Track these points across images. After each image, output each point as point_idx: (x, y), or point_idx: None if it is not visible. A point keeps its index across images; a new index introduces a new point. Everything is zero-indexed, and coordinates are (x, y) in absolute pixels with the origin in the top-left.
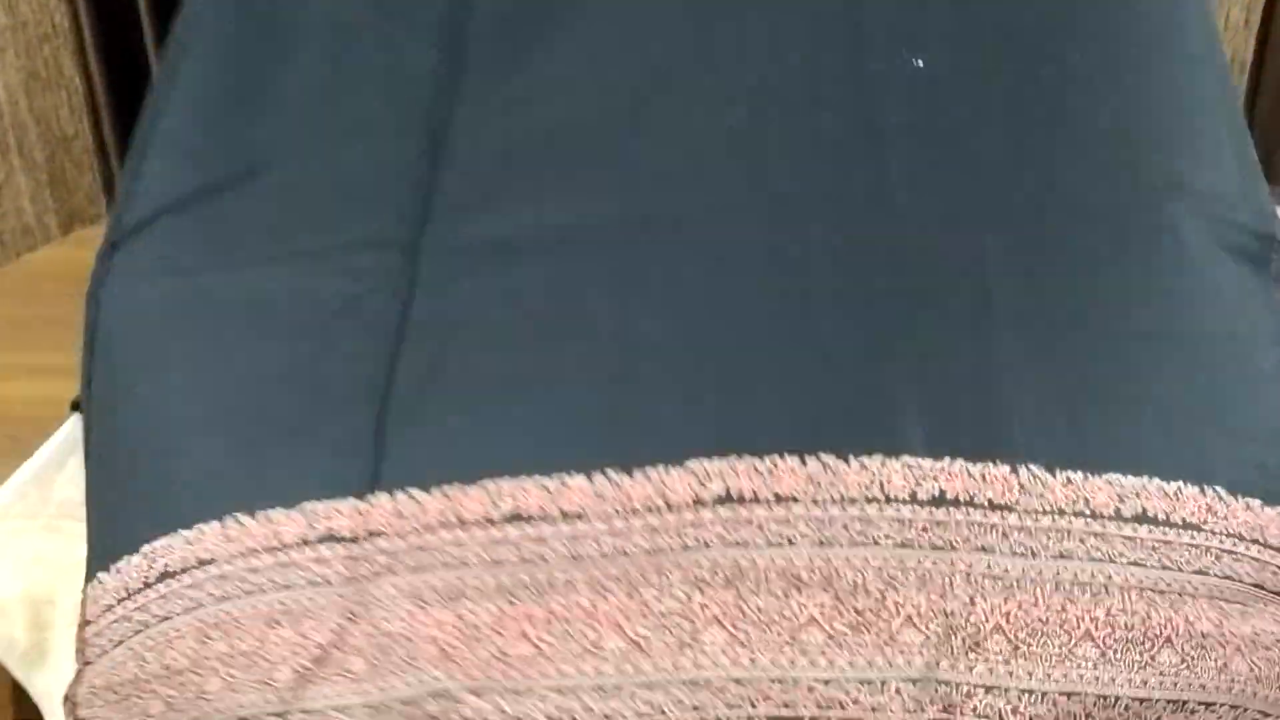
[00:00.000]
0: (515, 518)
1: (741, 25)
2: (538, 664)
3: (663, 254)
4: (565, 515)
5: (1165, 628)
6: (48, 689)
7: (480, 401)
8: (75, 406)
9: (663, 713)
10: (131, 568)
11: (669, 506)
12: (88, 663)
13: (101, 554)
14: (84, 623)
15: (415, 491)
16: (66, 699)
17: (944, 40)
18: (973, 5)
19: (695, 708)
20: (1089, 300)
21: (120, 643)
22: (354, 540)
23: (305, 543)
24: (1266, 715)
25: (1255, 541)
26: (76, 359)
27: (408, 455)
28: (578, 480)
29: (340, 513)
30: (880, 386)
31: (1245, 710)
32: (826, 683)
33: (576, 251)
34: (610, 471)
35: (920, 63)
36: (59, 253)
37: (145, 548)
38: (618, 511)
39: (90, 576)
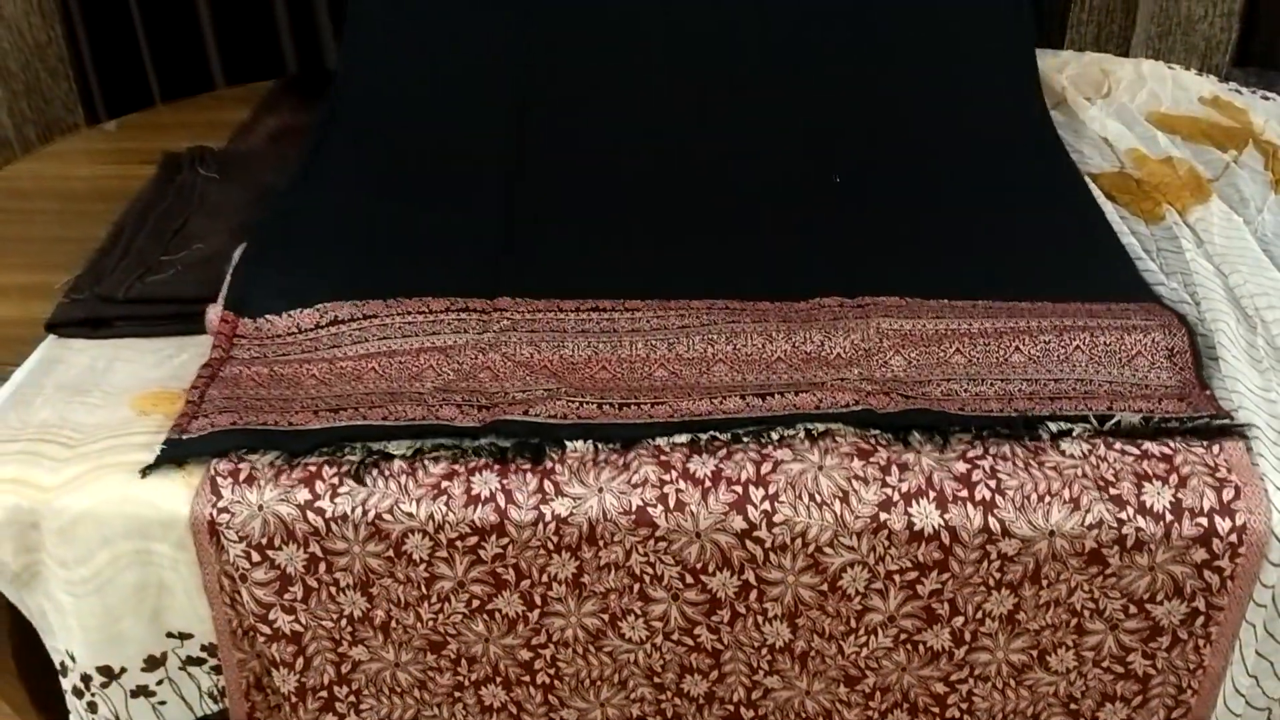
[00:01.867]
0: (595, 309)
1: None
2: (613, 383)
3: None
4: (627, 307)
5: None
6: (40, 607)
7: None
8: (50, 327)
9: (683, 419)
10: (303, 315)
11: (691, 308)
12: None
13: (266, 300)
14: (238, 338)
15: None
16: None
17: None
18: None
19: (708, 412)
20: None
21: (288, 357)
22: (484, 312)
23: (448, 310)
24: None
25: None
26: (53, 279)
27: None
28: (635, 297)
29: (474, 299)
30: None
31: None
32: (785, 389)
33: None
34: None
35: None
36: (37, 167)
37: (320, 304)
38: (658, 308)
39: (246, 314)
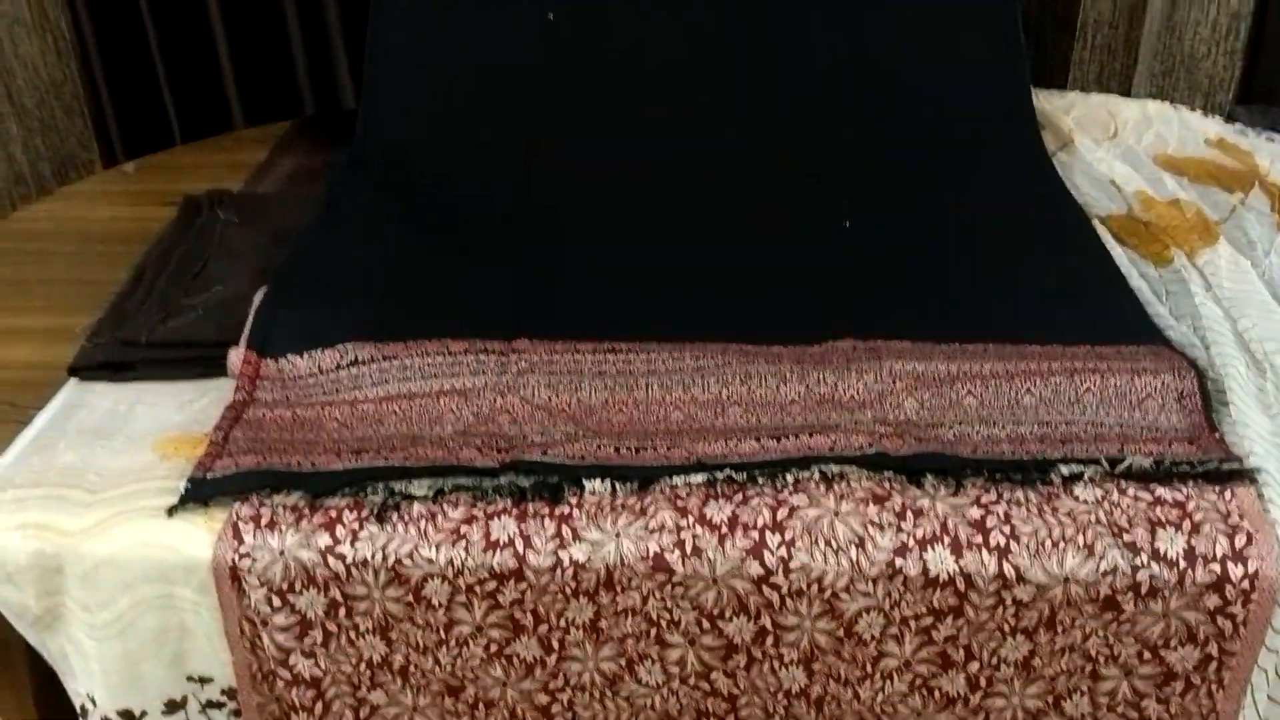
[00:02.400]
0: (612, 350)
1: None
2: (629, 426)
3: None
4: (642, 348)
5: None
6: (61, 650)
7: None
8: (73, 371)
9: (699, 460)
10: (324, 355)
11: (705, 350)
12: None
13: (287, 341)
14: (258, 378)
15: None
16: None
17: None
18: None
19: (723, 454)
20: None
21: (311, 399)
22: (502, 353)
23: (467, 351)
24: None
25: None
26: (73, 321)
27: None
28: (651, 340)
29: (492, 340)
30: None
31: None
32: (799, 431)
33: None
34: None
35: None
36: (55, 208)
37: (341, 345)
38: (673, 350)
39: (269, 355)
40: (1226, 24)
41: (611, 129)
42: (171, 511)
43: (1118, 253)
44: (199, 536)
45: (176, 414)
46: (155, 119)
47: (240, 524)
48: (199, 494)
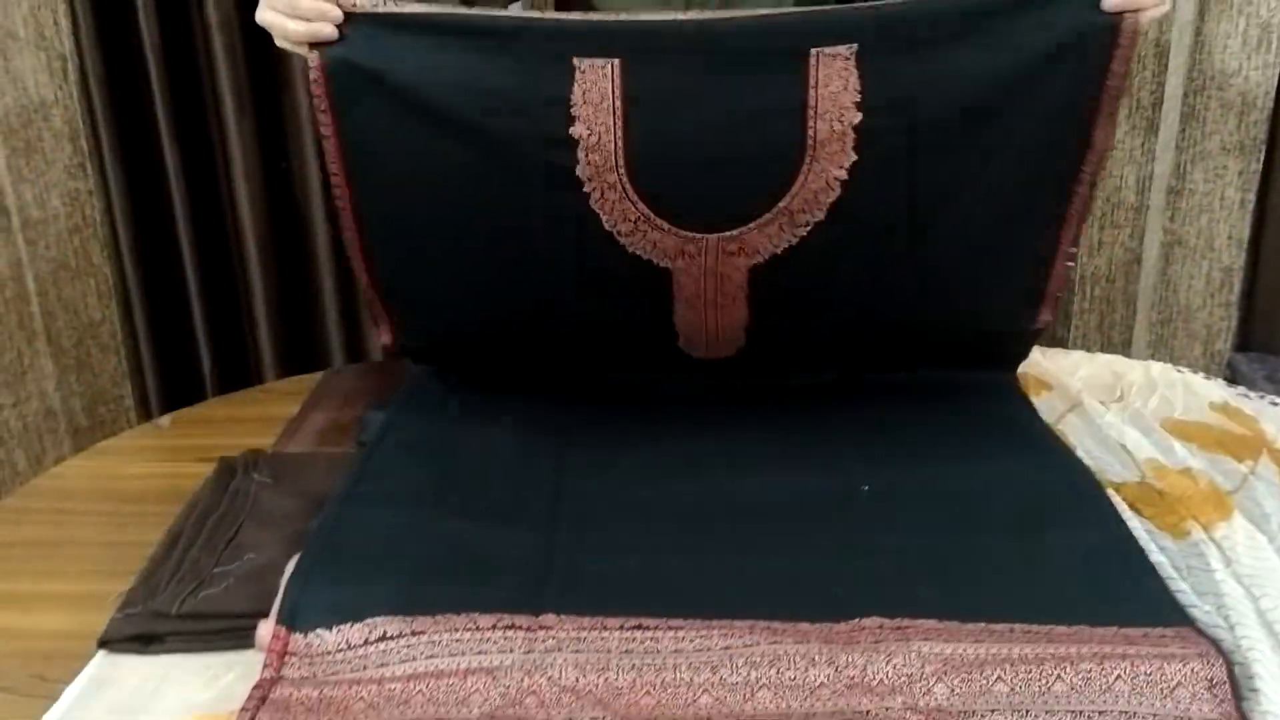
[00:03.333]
0: (639, 627)
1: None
2: (657, 710)
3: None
4: (670, 626)
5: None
6: None
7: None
8: (103, 644)
9: None
10: (353, 630)
11: (733, 628)
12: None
13: (316, 615)
14: (287, 654)
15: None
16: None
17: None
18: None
19: None
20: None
21: (338, 677)
22: (529, 629)
23: (495, 627)
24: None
25: None
26: (105, 588)
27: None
28: (678, 616)
29: (520, 614)
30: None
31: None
32: (829, 718)
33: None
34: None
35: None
36: (89, 465)
37: (369, 619)
38: (701, 628)
39: (299, 629)
40: (1220, 278)
41: (634, 420)
42: None
43: (1135, 524)
44: None
45: (202, 692)
46: (188, 360)
47: None
48: None
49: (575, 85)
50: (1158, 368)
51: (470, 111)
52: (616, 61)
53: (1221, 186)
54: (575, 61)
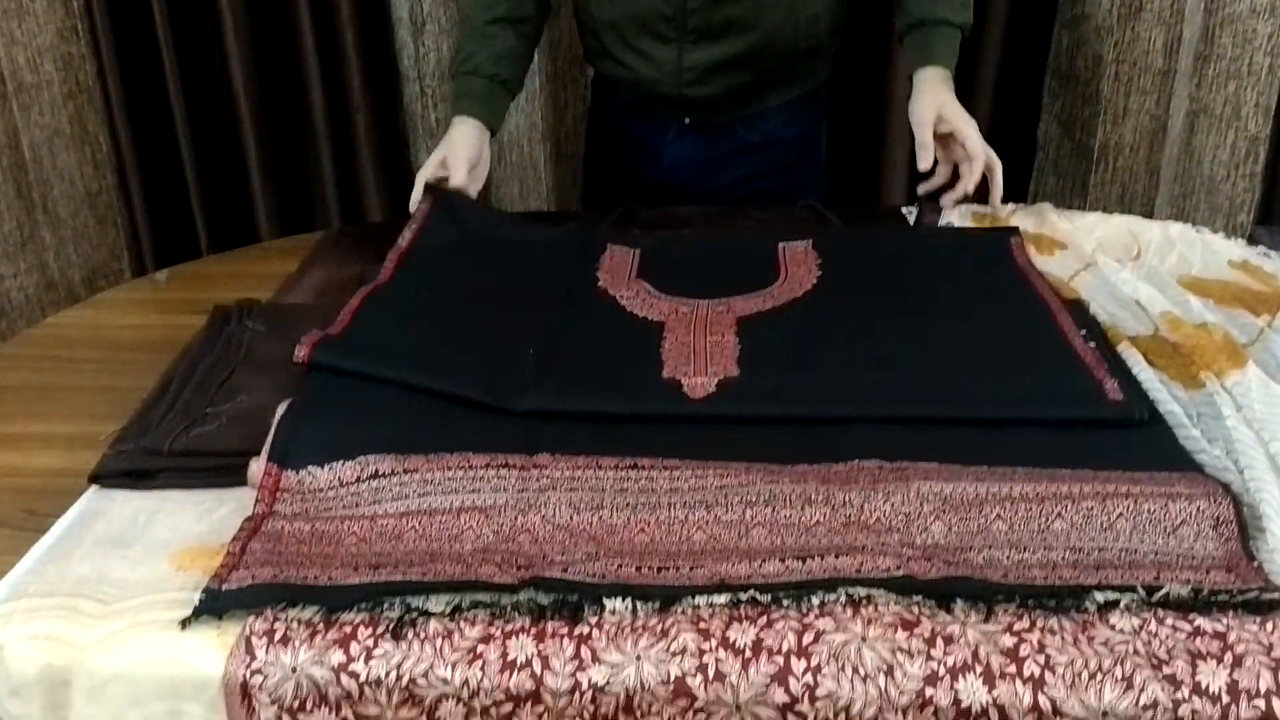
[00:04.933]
0: (634, 466)
1: None
2: (651, 547)
3: None
4: (665, 466)
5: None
6: None
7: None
8: (94, 479)
9: (722, 581)
10: (345, 467)
11: (729, 469)
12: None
13: (308, 453)
14: (280, 490)
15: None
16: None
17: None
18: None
19: (747, 576)
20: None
21: (330, 514)
22: (524, 469)
23: (488, 466)
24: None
25: None
26: (99, 429)
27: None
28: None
29: (514, 455)
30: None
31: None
32: (824, 553)
33: None
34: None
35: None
36: (83, 316)
37: (361, 457)
38: (696, 468)
39: (290, 466)
40: (1245, 148)
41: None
42: (184, 624)
43: (1149, 375)
44: (211, 652)
45: (196, 524)
46: (186, 231)
47: (253, 639)
48: (213, 606)
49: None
50: (1176, 227)
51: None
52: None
53: (1250, 51)
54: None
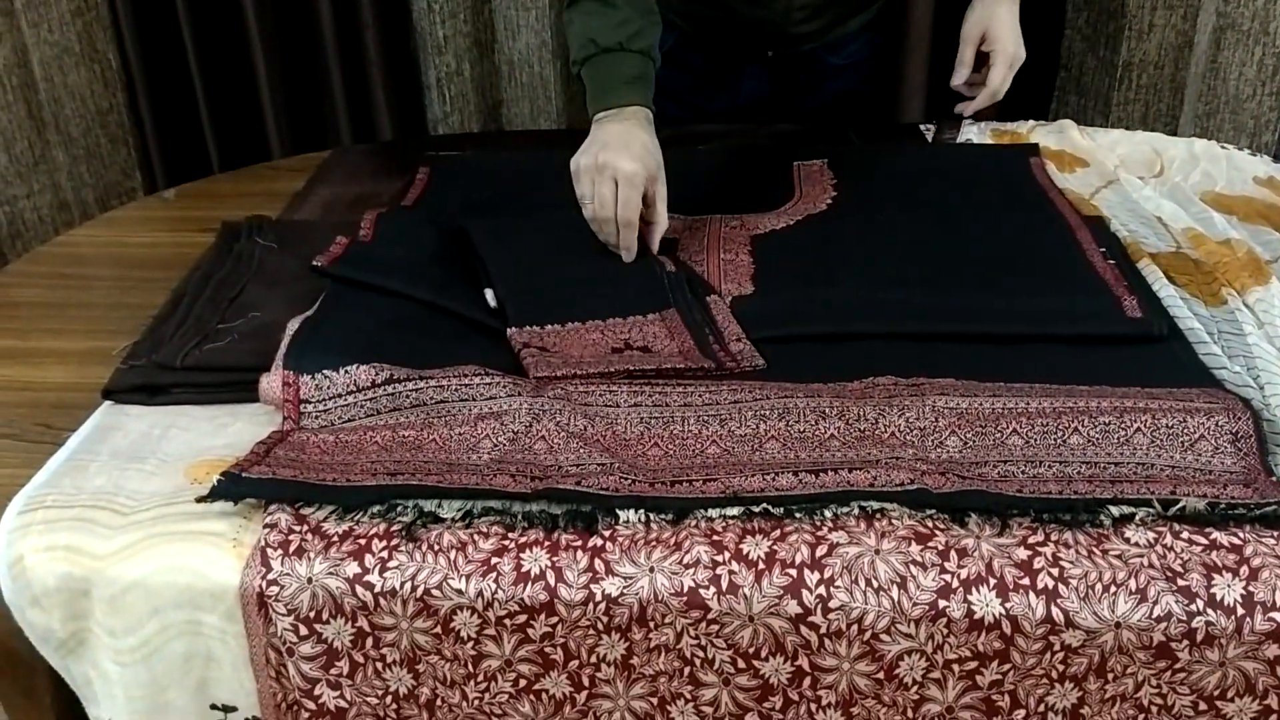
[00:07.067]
0: (647, 382)
1: None
2: (665, 460)
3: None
4: (680, 382)
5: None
6: (85, 675)
7: None
8: (107, 394)
9: (735, 494)
10: (360, 371)
11: (743, 385)
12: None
13: (323, 358)
14: (300, 401)
15: None
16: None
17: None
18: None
19: (760, 489)
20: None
21: (351, 420)
22: (538, 381)
23: (506, 373)
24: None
25: None
26: (111, 345)
27: None
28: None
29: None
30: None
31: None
32: (838, 466)
33: None
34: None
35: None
36: (96, 233)
37: (374, 362)
38: (710, 384)
39: (306, 371)
40: (1273, 64)
41: None
42: (201, 500)
43: (1170, 292)
44: (227, 562)
45: (209, 439)
46: (196, 149)
47: (269, 550)
48: (231, 490)
49: None
50: (1201, 144)
51: None
52: None
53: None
54: None
